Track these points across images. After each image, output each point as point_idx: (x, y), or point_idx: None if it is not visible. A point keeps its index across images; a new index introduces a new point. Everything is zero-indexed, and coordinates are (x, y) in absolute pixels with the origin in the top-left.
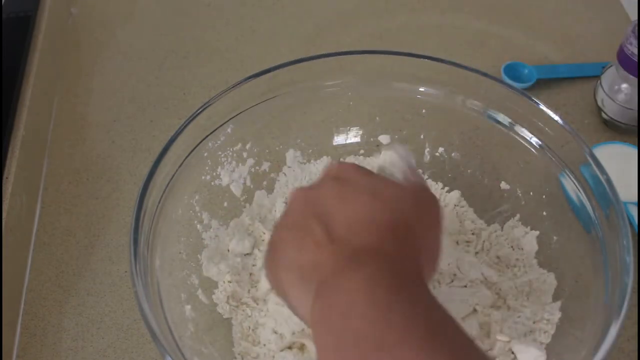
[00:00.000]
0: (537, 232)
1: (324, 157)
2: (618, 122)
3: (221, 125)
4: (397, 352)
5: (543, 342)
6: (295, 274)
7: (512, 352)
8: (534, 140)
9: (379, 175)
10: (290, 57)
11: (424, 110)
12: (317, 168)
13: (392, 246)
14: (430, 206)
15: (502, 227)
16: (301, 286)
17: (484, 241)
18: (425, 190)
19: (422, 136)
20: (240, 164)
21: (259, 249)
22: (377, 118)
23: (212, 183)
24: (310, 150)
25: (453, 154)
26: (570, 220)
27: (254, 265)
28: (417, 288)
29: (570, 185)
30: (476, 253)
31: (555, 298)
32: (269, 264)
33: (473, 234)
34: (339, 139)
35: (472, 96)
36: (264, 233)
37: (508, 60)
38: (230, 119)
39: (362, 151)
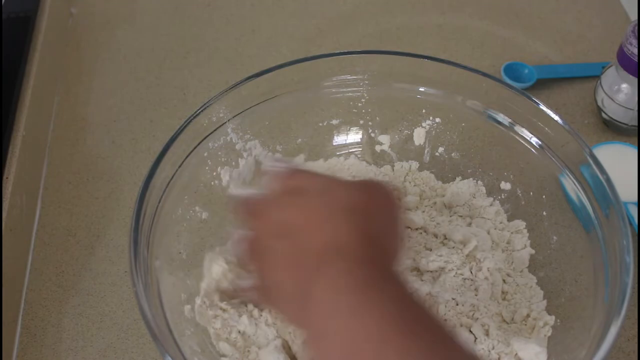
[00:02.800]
0: (534, 251)
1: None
2: (618, 122)
3: (221, 125)
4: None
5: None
6: (282, 293)
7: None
8: (534, 140)
9: (326, 175)
10: (291, 57)
11: (424, 110)
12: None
13: (352, 240)
14: (379, 190)
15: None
16: (290, 300)
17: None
18: (373, 180)
19: (422, 136)
20: (240, 164)
21: None
22: (377, 118)
23: (212, 183)
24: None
25: (453, 154)
26: (570, 220)
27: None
28: (384, 284)
29: (570, 185)
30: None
31: (555, 297)
32: (260, 296)
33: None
34: (339, 139)
35: (472, 96)
36: None
37: (508, 60)
38: (230, 119)
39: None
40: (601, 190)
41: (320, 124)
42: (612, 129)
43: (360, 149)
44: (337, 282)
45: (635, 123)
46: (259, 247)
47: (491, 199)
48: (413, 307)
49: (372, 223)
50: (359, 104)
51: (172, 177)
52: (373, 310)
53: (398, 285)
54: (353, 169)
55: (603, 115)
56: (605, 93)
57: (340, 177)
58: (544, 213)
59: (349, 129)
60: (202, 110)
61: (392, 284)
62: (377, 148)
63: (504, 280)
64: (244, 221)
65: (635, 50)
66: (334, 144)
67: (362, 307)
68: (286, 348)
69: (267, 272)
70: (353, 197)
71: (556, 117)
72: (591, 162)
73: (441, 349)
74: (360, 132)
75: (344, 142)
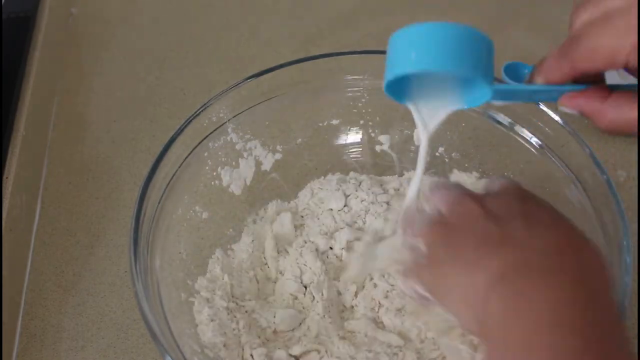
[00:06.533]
0: None
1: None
2: None
3: (221, 125)
4: None
5: None
6: (462, 267)
7: None
8: (534, 140)
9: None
10: (291, 57)
11: None
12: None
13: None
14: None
15: None
16: (468, 278)
17: None
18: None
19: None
20: (240, 164)
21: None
22: (377, 118)
23: (212, 183)
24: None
25: (453, 154)
26: (571, 220)
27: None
28: (602, 306)
29: (570, 185)
30: None
31: None
32: (426, 278)
33: None
34: (340, 139)
35: None
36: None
37: (508, 60)
38: (230, 119)
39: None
40: (601, 190)
41: (320, 124)
42: None
43: (361, 149)
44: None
45: None
46: (451, 227)
47: None
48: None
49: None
50: (359, 104)
51: (172, 177)
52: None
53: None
54: None
55: None
56: None
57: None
58: None
59: (349, 129)
60: (202, 110)
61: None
62: (377, 148)
63: None
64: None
65: None
66: (335, 144)
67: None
68: None
69: (451, 255)
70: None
71: (556, 117)
72: (591, 162)
73: None
74: (360, 132)
75: (344, 142)
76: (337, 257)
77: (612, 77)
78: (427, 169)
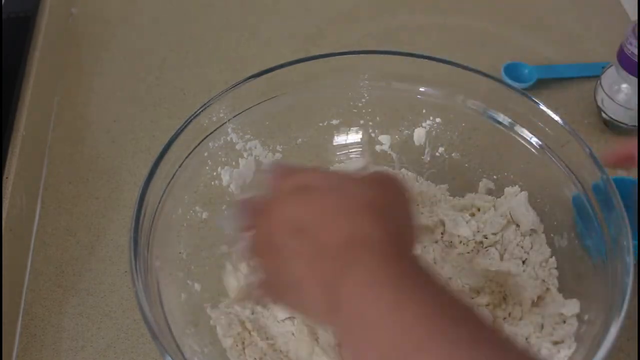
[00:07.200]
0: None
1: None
2: (618, 122)
3: (221, 125)
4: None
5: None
6: (303, 290)
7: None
8: (534, 140)
9: (333, 171)
10: (291, 57)
11: (424, 110)
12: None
13: (376, 235)
14: (392, 184)
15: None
16: (314, 298)
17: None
18: (383, 173)
19: (422, 136)
20: (240, 164)
21: None
22: (377, 118)
23: (212, 183)
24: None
25: (453, 154)
26: (571, 220)
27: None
28: (418, 279)
29: (570, 185)
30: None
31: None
32: (271, 293)
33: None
34: (339, 139)
35: (472, 96)
36: None
37: (508, 60)
38: (230, 119)
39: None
40: (601, 189)
41: (320, 124)
42: (612, 129)
43: (361, 149)
44: (368, 277)
45: (635, 123)
46: (269, 245)
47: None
48: (452, 302)
49: (390, 218)
50: (359, 104)
51: (172, 177)
52: (411, 305)
53: (433, 279)
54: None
55: (603, 115)
56: (605, 93)
57: (348, 172)
58: (544, 213)
59: (349, 129)
60: (202, 110)
61: (427, 279)
62: (377, 148)
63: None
64: (250, 220)
65: (635, 50)
66: (334, 144)
67: (399, 302)
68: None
69: (282, 269)
70: (367, 192)
71: (556, 117)
72: (591, 162)
73: (483, 348)
74: (360, 132)
75: (344, 142)
76: None
77: (612, 74)
78: (428, 169)
